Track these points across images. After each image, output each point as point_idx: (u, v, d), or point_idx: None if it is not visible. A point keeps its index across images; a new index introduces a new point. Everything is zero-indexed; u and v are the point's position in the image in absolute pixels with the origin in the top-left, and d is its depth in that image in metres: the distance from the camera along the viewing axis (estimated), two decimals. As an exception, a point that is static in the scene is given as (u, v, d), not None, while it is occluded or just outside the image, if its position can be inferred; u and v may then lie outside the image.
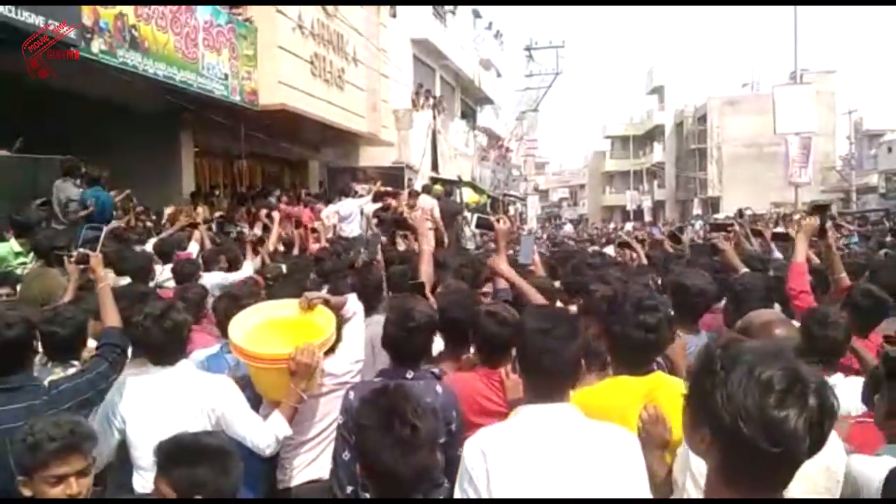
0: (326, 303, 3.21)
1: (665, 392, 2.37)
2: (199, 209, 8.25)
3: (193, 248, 6.99)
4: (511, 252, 4.89)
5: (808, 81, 30.40)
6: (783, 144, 27.48)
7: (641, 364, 2.46)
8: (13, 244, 5.92)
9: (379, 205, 12.06)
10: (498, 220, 4.20)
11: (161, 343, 2.91)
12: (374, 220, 11.21)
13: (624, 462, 1.99)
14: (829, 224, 4.51)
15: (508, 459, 1.97)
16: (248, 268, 6.21)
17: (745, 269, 4.52)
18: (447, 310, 3.24)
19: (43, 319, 3.32)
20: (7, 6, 6.72)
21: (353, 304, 3.31)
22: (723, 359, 1.30)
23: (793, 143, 25.98)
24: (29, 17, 6.94)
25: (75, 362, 3.29)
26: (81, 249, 3.46)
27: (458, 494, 2.04)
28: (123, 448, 2.91)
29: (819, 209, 4.84)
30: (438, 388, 2.78)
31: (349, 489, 2.67)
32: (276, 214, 8.72)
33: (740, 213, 16.71)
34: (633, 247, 7.26)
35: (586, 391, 2.41)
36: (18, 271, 5.67)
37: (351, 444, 2.62)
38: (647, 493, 2.00)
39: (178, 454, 1.97)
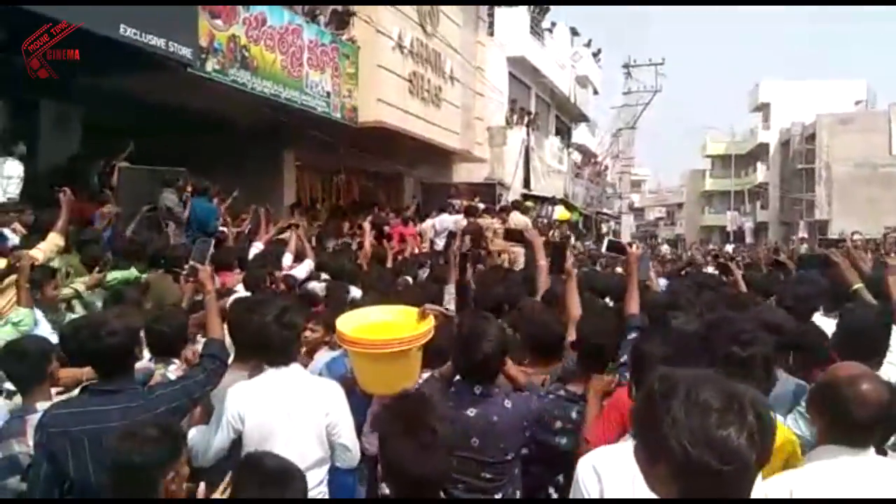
0: (446, 318, 3.32)
1: None
2: (295, 220, 8.56)
3: (289, 258, 7.18)
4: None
5: (929, 99, 28.66)
6: (900, 166, 25.92)
7: None
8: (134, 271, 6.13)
9: (454, 218, 12.18)
10: (631, 245, 4.12)
11: (279, 343, 3.06)
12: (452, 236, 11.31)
13: None
14: None
15: (622, 480, 1.95)
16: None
17: (859, 284, 4.32)
18: (590, 336, 3.18)
19: (150, 319, 3.62)
20: (131, 30, 7.25)
21: None
22: (660, 389, 1.32)
23: (911, 164, 24.45)
24: (152, 40, 7.45)
25: (176, 360, 3.55)
26: (192, 263, 3.54)
27: None
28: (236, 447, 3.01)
29: None
30: (507, 404, 2.82)
31: None
32: (366, 226, 8.99)
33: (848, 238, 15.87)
34: (731, 270, 6.99)
35: None
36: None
37: None
38: None
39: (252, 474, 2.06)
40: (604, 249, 5.14)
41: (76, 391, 3.07)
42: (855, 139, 40.81)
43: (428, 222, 12.60)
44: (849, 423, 2.10)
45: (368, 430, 3.14)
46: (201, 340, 3.57)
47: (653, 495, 1.80)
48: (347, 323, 3.30)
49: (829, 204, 42.70)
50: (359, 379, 3.19)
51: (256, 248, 7.11)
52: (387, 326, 3.30)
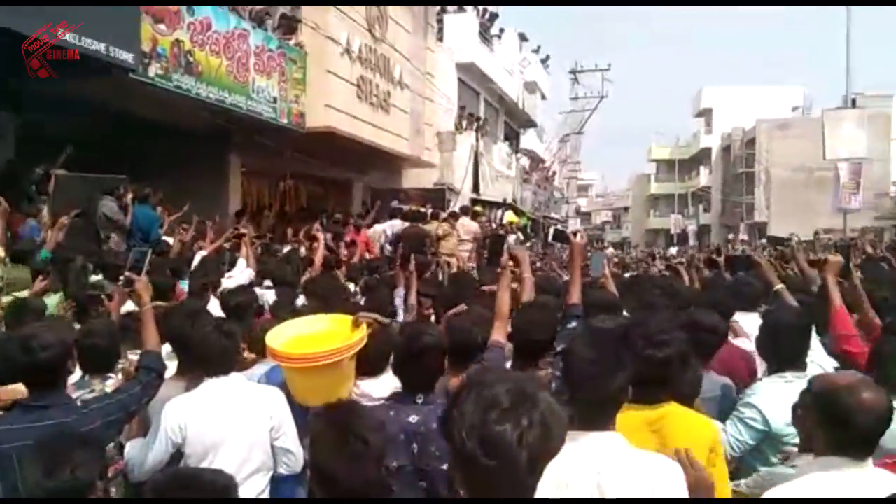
0: (381, 325, 3.34)
1: (671, 422, 2.40)
2: (245, 228, 8.45)
3: (241, 264, 7.14)
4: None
5: (861, 106, 29.79)
6: (833, 170, 26.92)
7: (648, 395, 2.46)
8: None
9: (405, 224, 12.23)
10: (575, 235, 4.17)
11: (219, 353, 3.06)
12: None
13: (667, 492, 2.01)
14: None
15: (547, 485, 1.99)
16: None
17: (780, 286, 4.47)
18: (529, 332, 3.27)
19: (81, 333, 3.52)
20: (73, 34, 7.08)
21: None
22: (463, 386, 1.40)
23: (843, 168, 25.44)
24: (92, 45, 7.28)
25: (112, 375, 3.46)
26: (128, 273, 3.46)
27: None
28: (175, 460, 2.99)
29: (843, 249, 4.78)
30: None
31: None
32: (319, 234, 8.94)
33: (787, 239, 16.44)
34: (681, 273, 7.20)
35: None
36: None
37: None
38: None
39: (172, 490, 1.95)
40: (550, 239, 5.26)
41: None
42: (792, 144, 42.24)
43: (378, 228, 12.60)
44: (851, 432, 2.08)
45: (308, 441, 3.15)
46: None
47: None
48: (278, 336, 3.30)
49: (768, 207, 44.11)
50: (293, 392, 3.19)
51: (200, 256, 7.02)
52: (319, 337, 3.30)
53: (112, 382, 3.42)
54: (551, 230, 5.19)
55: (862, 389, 2.10)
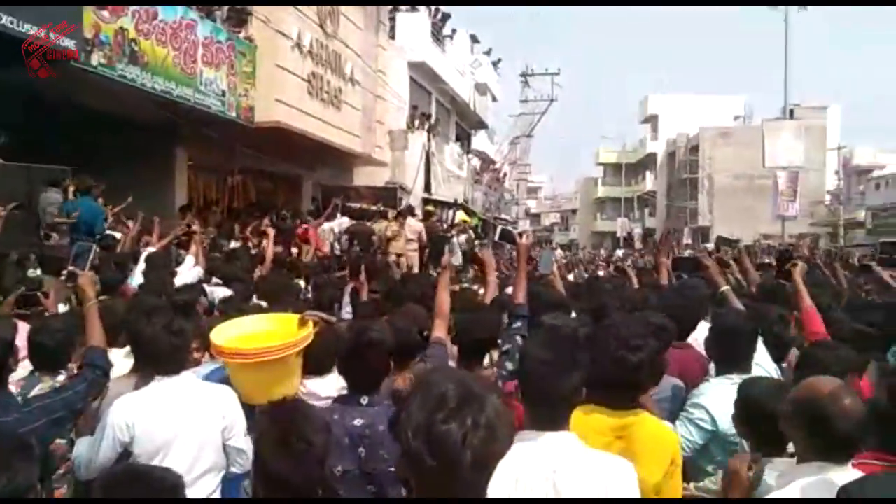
0: (327, 323, 3.29)
1: (639, 430, 2.40)
2: (194, 225, 8.24)
3: (189, 262, 6.94)
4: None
5: (799, 117, 30.94)
6: (772, 178, 27.82)
7: (617, 400, 2.48)
8: None
9: (352, 222, 12.16)
10: (521, 235, 4.24)
11: (168, 351, 2.98)
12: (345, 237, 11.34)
13: (621, 492, 2.03)
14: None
15: (504, 485, 1.95)
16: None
17: (726, 287, 4.53)
18: (472, 331, 3.26)
19: (32, 330, 3.42)
20: (8, 18, 6.80)
21: None
22: (414, 385, 1.42)
23: (781, 176, 26.34)
24: (31, 29, 7.01)
25: (63, 372, 3.35)
26: (71, 267, 3.41)
27: None
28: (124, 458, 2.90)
29: (783, 253, 4.95)
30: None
31: None
32: (270, 231, 8.79)
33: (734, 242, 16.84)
34: (628, 274, 7.33)
35: None
36: None
37: None
38: None
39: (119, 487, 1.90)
40: (497, 238, 5.32)
41: None
42: (733, 152, 43.57)
43: (326, 226, 12.47)
44: (833, 438, 2.13)
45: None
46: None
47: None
48: (222, 333, 3.24)
49: (711, 212, 45.36)
50: (239, 390, 3.13)
51: (147, 252, 6.79)
52: (264, 335, 3.25)
53: (63, 379, 3.30)
54: (498, 230, 5.26)
55: (844, 396, 2.16)
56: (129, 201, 9.01)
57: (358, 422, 2.73)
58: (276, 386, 2.95)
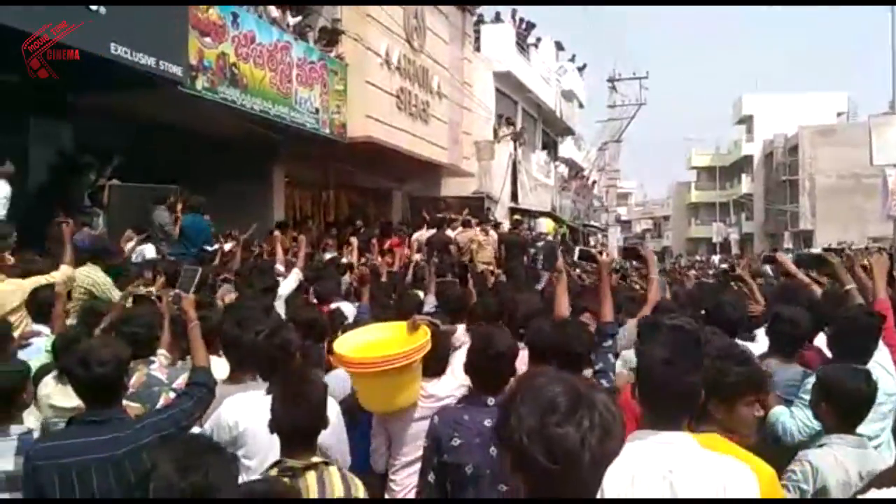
0: (435, 327, 3.37)
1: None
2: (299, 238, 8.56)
3: (295, 274, 7.13)
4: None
5: (907, 111, 29.08)
6: (881, 176, 26.28)
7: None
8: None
9: (433, 231, 12.24)
10: (601, 253, 4.26)
11: (272, 357, 3.12)
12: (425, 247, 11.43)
13: (738, 495, 1.96)
14: None
15: (619, 484, 1.95)
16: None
17: (852, 285, 4.35)
18: (569, 344, 3.24)
19: (119, 322, 3.72)
20: (124, 48, 7.30)
21: (462, 333, 3.46)
22: (516, 388, 1.39)
23: (891, 174, 24.83)
24: (142, 59, 7.50)
25: (154, 358, 3.59)
26: (176, 290, 3.55)
27: None
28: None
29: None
30: None
31: None
32: (353, 240, 9.03)
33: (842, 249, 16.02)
34: (746, 281, 7.00)
35: None
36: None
37: (434, 465, 2.76)
38: None
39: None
40: (576, 258, 5.29)
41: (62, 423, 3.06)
42: (837, 151, 41.35)
43: (416, 235, 12.66)
44: None
45: (373, 449, 3.19)
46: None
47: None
48: (344, 344, 3.35)
49: (813, 214, 43.18)
50: (363, 400, 3.23)
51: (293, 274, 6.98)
52: (383, 343, 3.34)
53: (156, 366, 3.53)
54: (577, 250, 5.24)
55: None
56: (255, 228, 9.06)
57: (488, 422, 2.78)
58: (401, 392, 3.06)
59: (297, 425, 2.47)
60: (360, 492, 2.53)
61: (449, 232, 12.44)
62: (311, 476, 2.43)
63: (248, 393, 3.15)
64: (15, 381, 3.00)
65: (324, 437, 3.07)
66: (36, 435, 3.02)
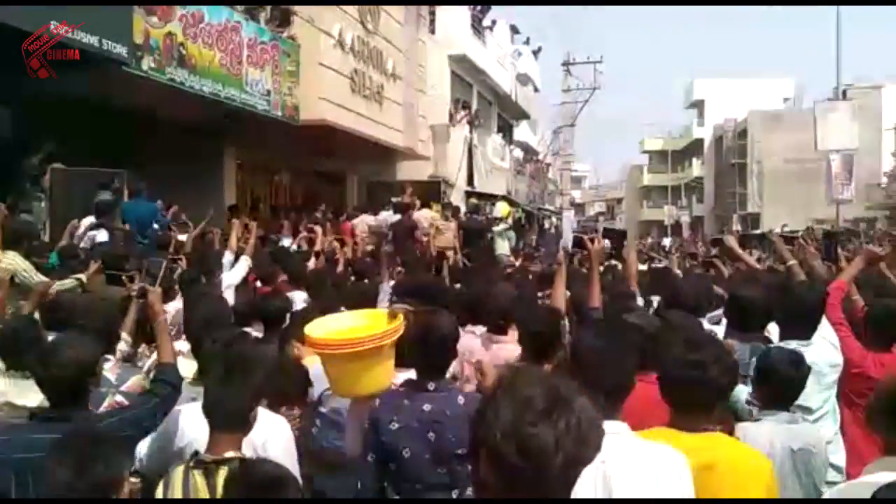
0: (415, 315, 3.35)
1: (723, 454, 2.30)
2: (250, 224, 8.41)
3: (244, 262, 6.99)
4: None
5: (851, 97, 29.92)
6: (826, 161, 27.04)
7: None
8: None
9: (398, 216, 12.17)
10: (592, 241, 4.28)
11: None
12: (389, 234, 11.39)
13: (674, 484, 1.98)
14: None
15: (629, 473, 1.96)
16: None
17: (793, 261, 4.56)
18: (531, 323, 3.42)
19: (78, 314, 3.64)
20: (64, 27, 7.03)
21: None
22: (498, 385, 1.39)
23: (835, 159, 25.56)
24: (85, 38, 7.25)
25: (109, 357, 3.48)
26: (141, 284, 3.50)
27: None
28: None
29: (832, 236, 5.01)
30: (461, 399, 2.87)
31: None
32: (318, 229, 8.91)
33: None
34: (718, 267, 7.12)
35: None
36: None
37: (374, 446, 2.81)
38: None
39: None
40: (569, 246, 5.39)
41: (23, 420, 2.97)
42: (784, 136, 42.36)
43: (362, 218, 12.49)
44: None
45: (347, 435, 3.19)
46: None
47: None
48: (317, 328, 3.31)
49: (761, 197, 44.26)
50: (333, 385, 3.20)
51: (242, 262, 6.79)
52: (355, 330, 3.31)
53: (110, 365, 3.42)
54: (571, 238, 5.32)
55: None
56: (212, 214, 8.93)
57: (427, 407, 2.80)
58: (371, 376, 3.02)
59: (224, 406, 2.51)
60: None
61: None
62: (222, 472, 2.36)
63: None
64: None
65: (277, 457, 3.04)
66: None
